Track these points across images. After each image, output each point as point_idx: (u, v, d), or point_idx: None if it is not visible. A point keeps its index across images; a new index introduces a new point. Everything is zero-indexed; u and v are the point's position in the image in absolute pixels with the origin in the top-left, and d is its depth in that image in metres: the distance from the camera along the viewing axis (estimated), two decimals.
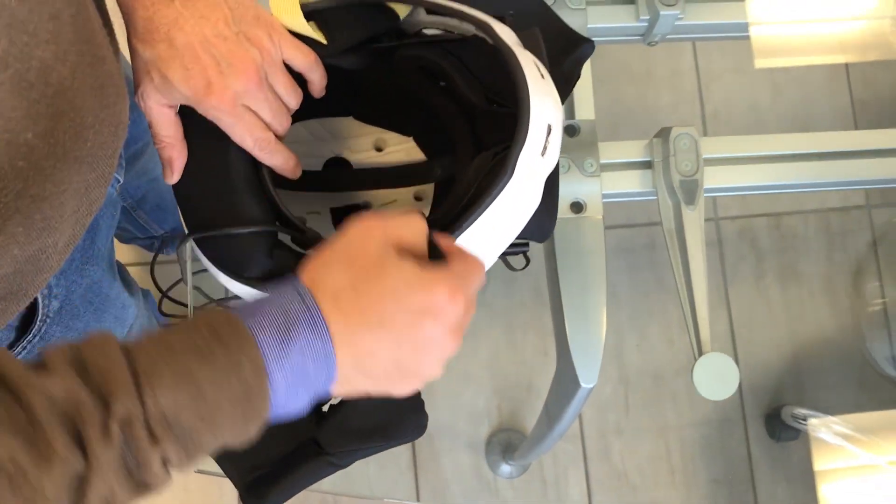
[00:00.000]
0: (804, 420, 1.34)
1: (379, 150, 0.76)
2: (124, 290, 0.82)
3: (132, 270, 1.47)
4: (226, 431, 0.43)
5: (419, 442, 1.36)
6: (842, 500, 1.07)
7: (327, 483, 0.70)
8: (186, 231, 0.59)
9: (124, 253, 1.48)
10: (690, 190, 0.86)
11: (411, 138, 0.75)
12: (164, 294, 0.76)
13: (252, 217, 0.58)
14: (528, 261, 0.69)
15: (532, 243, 0.70)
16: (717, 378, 0.81)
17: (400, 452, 1.37)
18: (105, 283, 0.76)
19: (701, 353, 0.83)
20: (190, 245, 0.60)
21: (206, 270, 0.62)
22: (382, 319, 0.46)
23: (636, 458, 1.41)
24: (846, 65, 1.56)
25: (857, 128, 1.55)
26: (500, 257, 0.67)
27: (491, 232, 0.56)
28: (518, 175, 0.54)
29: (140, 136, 0.87)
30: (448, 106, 0.68)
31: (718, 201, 1.52)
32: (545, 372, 1.47)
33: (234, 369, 0.42)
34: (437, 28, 0.66)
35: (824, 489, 1.07)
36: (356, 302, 0.46)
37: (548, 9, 0.82)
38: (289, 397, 0.45)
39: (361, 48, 0.64)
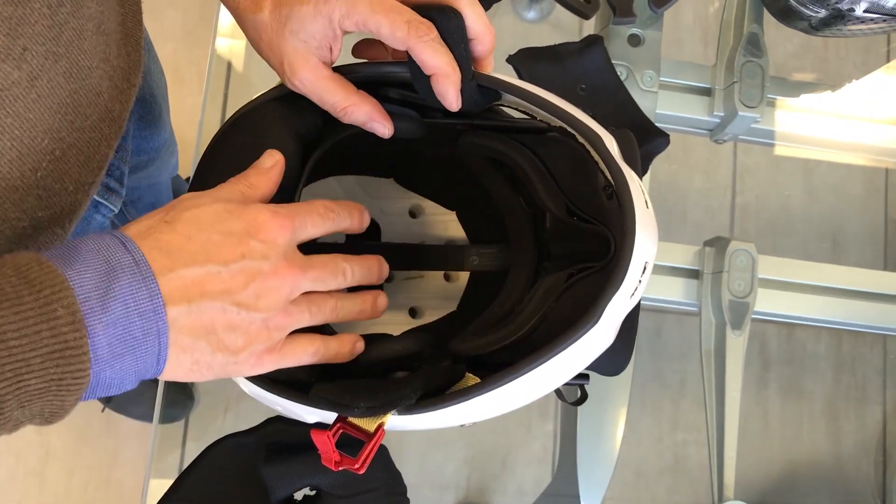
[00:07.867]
0: None
1: (413, 216, 0.67)
2: None
3: None
4: (34, 399, 0.35)
5: None
6: None
7: None
8: None
9: None
10: (740, 312, 0.78)
11: (454, 213, 0.66)
12: None
13: None
14: (585, 395, 0.60)
15: None
16: None
17: None
18: None
19: (722, 500, 0.74)
20: None
21: None
22: (207, 249, 0.40)
23: None
24: (886, 182, 1.49)
25: (886, 246, 1.48)
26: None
27: (548, 376, 0.47)
28: (602, 323, 0.46)
29: (147, 150, 0.77)
30: (511, 198, 0.59)
31: None
32: (524, 447, 1.38)
33: (47, 318, 0.35)
34: (515, 109, 0.55)
35: None
36: (172, 234, 0.40)
37: (624, 89, 0.74)
38: (113, 364, 0.38)
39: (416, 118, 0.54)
